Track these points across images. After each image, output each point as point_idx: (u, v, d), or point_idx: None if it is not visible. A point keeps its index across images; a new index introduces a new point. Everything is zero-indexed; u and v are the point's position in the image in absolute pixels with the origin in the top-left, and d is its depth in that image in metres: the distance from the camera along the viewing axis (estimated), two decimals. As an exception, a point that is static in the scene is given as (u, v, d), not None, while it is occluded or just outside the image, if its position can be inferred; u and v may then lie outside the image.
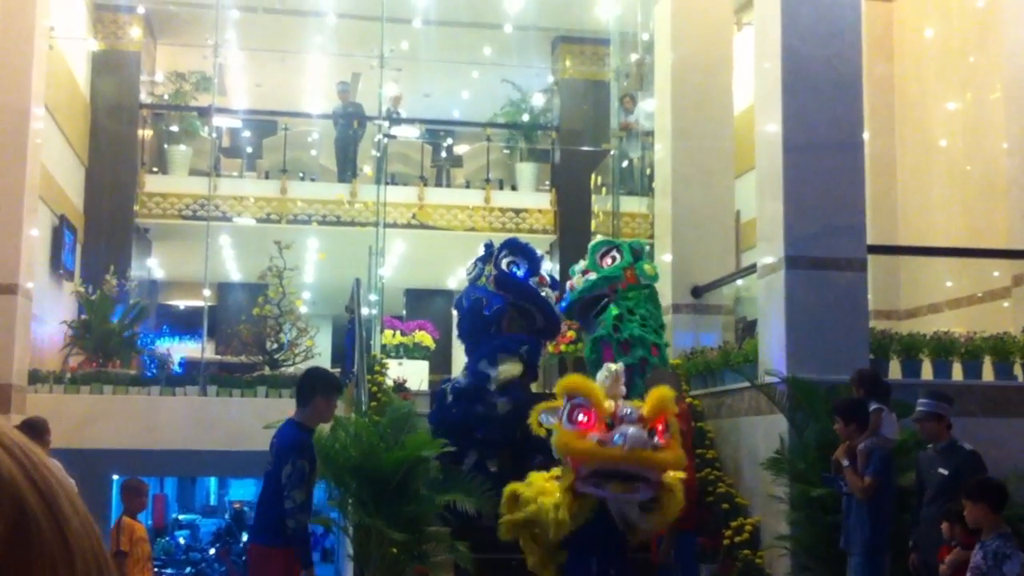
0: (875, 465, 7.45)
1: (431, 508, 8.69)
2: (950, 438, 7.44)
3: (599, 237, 15.59)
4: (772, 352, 9.61)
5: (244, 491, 26.33)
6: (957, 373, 10.02)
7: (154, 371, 14.23)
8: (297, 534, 6.62)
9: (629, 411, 6.65)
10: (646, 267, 10.70)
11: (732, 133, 13.01)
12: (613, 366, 7.12)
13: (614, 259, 10.86)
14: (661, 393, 6.86)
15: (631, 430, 6.49)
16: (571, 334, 13.88)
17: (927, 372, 10.00)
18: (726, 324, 12.66)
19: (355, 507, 8.54)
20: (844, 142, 9.78)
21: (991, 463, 7.49)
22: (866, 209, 9.90)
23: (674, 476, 6.83)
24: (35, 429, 8.62)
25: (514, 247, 10.44)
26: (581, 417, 6.66)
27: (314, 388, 6.89)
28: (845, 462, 7.56)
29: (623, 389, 6.99)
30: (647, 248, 11.31)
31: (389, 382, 11.33)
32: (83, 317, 13.56)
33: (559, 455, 6.95)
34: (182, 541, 21.05)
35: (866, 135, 10.52)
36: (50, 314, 13.41)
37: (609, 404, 6.71)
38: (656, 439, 6.60)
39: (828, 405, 8.48)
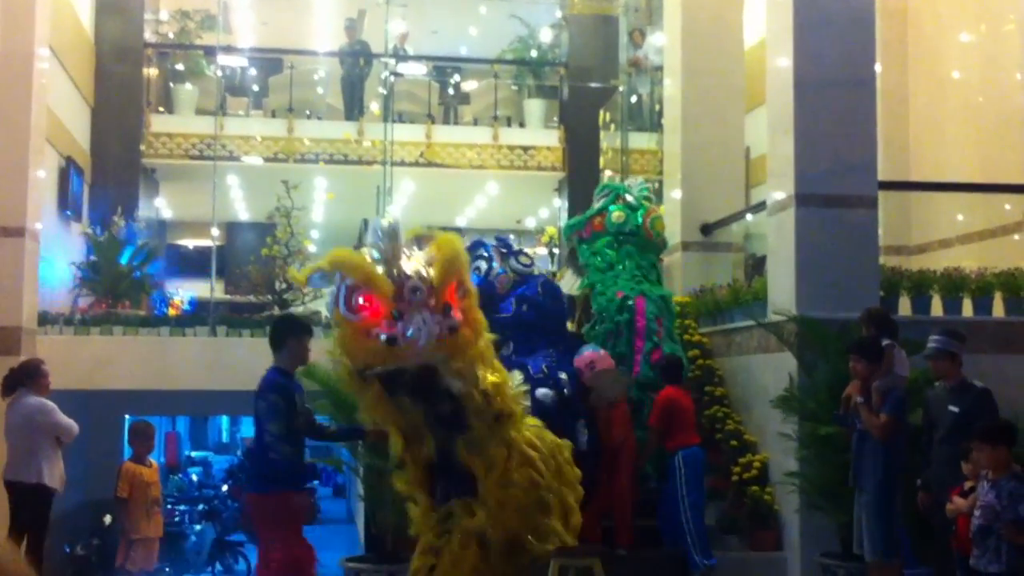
0: (892, 403, 7.48)
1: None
2: (961, 376, 7.41)
3: (607, 173, 15.56)
4: (782, 290, 9.56)
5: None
6: (967, 310, 9.98)
7: (164, 310, 14.23)
8: (280, 465, 6.82)
9: (415, 286, 5.57)
10: (614, 214, 10.54)
11: (743, 68, 12.87)
12: (384, 221, 5.93)
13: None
14: (448, 246, 5.79)
15: (423, 318, 5.52)
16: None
17: (937, 309, 9.96)
18: (736, 261, 12.61)
19: (366, 449, 8.57)
20: (856, 78, 9.65)
21: (1002, 400, 7.45)
22: (878, 145, 9.79)
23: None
24: (27, 372, 8.70)
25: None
26: (361, 301, 5.63)
27: (285, 332, 7.20)
28: (860, 399, 7.55)
29: (403, 242, 5.83)
30: (636, 189, 11.08)
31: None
32: (92, 258, 13.55)
33: (337, 354, 6.03)
34: (195, 478, 21.21)
35: (878, 68, 10.38)
36: (58, 256, 13.38)
37: (387, 285, 5.63)
38: (452, 317, 5.64)
39: (838, 344, 8.47)
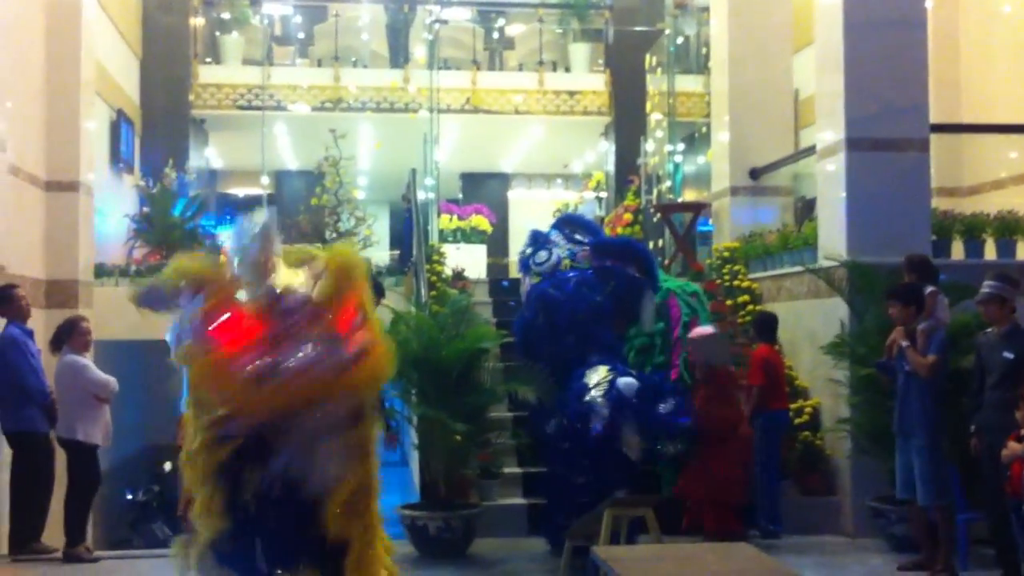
0: (938, 345, 7.53)
1: (492, 398, 8.80)
2: (1013, 321, 7.35)
3: (655, 117, 15.46)
4: (832, 235, 9.52)
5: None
6: (1021, 252, 9.89)
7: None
8: None
9: (293, 302, 4.19)
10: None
11: (790, 7, 12.69)
12: (254, 221, 4.55)
13: None
14: (341, 256, 4.37)
15: (305, 352, 4.04)
16: (628, 216, 13.83)
17: (990, 252, 9.88)
18: (784, 205, 12.52)
19: (418, 399, 8.66)
20: (906, 17, 9.53)
21: (1054, 345, 7.39)
22: (928, 85, 9.67)
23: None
24: (67, 330, 8.89)
25: (572, 222, 9.70)
26: (224, 317, 4.27)
27: None
28: (905, 343, 7.57)
29: (277, 249, 4.40)
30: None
31: (448, 271, 11.41)
32: (145, 210, 13.69)
33: (194, 383, 4.53)
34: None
35: (928, 4, 10.22)
36: (112, 208, 13.54)
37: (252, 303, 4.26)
38: (344, 350, 4.09)
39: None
